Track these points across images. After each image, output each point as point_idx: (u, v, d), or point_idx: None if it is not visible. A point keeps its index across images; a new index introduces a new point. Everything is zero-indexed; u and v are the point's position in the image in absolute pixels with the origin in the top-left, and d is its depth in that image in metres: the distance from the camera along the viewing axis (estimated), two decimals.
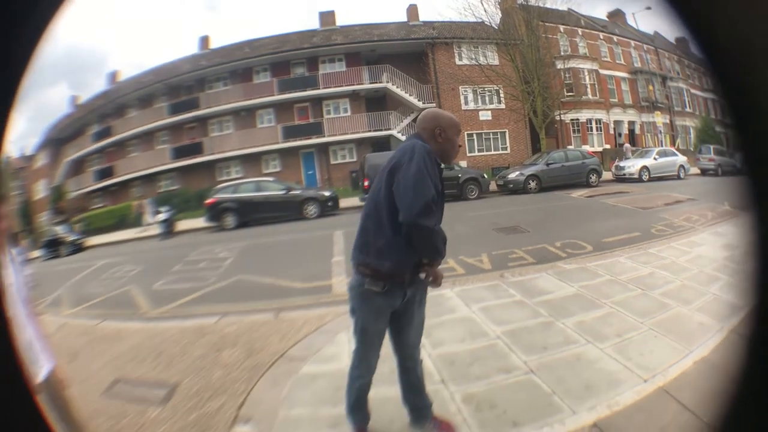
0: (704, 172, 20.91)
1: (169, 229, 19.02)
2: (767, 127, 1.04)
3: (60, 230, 21.17)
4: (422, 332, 3.34)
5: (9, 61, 1.08)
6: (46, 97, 43.35)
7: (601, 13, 33.85)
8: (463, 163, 25.03)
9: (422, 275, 3.05)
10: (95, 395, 4.66)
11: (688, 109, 29.84)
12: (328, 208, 18.41)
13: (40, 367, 2.70)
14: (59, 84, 49.25)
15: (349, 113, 28.42)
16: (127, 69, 44.49)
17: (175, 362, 5.33)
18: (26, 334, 2.65)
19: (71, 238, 20.12)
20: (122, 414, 4.24)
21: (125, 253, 15.85)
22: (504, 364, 4.36)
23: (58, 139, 31.34)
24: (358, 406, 3.30)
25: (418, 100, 27.58)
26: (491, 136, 28.54)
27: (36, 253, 20.41)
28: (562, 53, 28.82)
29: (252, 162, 27.45)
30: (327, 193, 19.25)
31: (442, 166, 3.07)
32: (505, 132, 28.54)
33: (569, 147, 26.10)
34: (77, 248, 19.48)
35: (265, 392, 4.33)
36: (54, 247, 19.45)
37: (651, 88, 31.17)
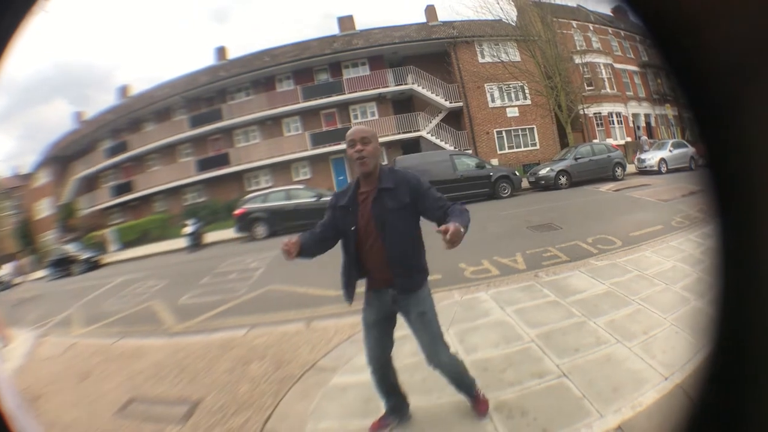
0: None
1: (196, 242, 19.03)
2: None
3: (71, 248, 21.26)
4: (428, 344, 3.30)
5: None
6: (40, 115, 44.19)
7: (605, 9, 33.48)
8: (495, 161, 24.76)
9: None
10: (106, 416, 4.47)
11: None
12: None
13: None
14: (55, 101, 49.67)
15: (376, 116, 28.23)
16: (137, 83, 44.61)
17: (199, 378, 5.22)
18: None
19: (85, 255, 20.16)
20: None
21: (148, 268, 15.82)
22: (537, 368, 4.24)
23: (62, 157, 31.59)
24: (382, 393, 3.49)
25: (445, 100, 27.53)
26: (520, 132, 28.26)
27: (41, 273, 20.55)
28: (577, 48, 28.62)
29: (281, 170, 27.52)
30: None
31: (352, 188, 3.25)
32: (533, 128, 28.24)
33: (594, 141, 25.87)
34: (92, 266, 19.54)
35: (293, 405, 4.21)
36: (63, 266, 19.60)
37: (659, 80, 30.67)
